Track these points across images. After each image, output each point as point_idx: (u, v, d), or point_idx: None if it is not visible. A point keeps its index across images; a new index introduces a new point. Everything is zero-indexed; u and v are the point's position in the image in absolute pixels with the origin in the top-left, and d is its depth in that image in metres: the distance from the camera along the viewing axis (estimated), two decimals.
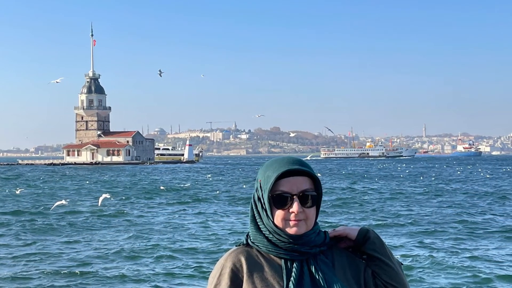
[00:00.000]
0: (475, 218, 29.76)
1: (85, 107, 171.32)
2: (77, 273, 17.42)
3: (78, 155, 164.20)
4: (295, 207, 2.53)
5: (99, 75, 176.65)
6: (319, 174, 75.59)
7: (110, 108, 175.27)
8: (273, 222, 2.57)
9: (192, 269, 17.85)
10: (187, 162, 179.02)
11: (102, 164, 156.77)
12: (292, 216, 2.54)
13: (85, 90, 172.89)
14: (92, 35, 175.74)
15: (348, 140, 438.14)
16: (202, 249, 21.37)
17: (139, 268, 18.13)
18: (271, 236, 2.58)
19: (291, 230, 2.55)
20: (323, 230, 2.71)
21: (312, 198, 2.56)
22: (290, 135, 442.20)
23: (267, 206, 2.57)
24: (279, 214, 2.56)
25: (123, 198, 45.28)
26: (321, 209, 2.73)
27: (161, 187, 56.58)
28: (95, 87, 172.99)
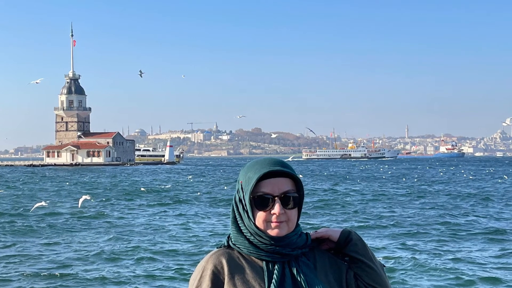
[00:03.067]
0: (458, 219, 29.79)
1: (65, 108, 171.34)
2: (57, 275, 17.25)
3: (58, 156, 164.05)
4: (276, 208, 2.51)
5: (79, 75, 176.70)
6: (300, 176, 75.75)
7: (90, 109, 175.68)
8: (254, 223, 2.55)
9: (173, 271, 17.72)
10: (167, 163, 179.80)
11: (82, 165, 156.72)
12: (273, 218, 2.52)
13: (65, 91, 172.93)
14: (72, 36, 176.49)
15: (330, 141, 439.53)
16: (183, 251, 21.25)
17: (120, 270, 17.99)
18: (252, 237, 2.56)
19: (273, 232, 2.53)
20: (305, 232, 2.69)
21: (293, 199, 2.54)
22: (272, 136, 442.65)
23: (248, 207, 2.54)
24: (260, 215, 2.53)
25: (103, 199, 45.05)
26: (303, 210, 2.69)
27: (142, 189, 56.43)
28: (75, 87, 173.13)
